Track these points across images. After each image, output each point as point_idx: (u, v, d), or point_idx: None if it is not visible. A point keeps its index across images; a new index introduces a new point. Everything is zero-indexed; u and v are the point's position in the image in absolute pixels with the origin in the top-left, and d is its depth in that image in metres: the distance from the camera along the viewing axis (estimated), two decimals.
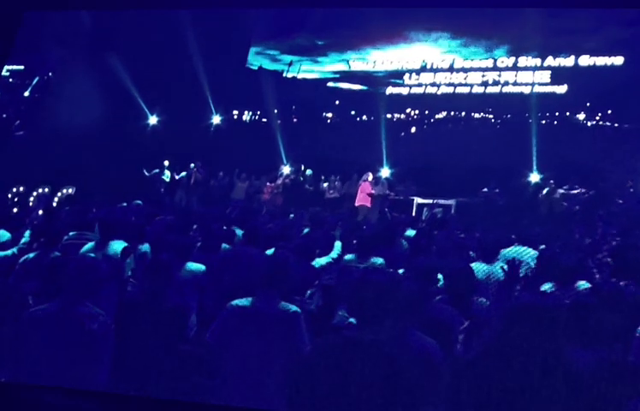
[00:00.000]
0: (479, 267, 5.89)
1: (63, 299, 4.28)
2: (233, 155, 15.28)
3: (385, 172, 14.58)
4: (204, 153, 15.68)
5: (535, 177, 13.81)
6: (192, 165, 15.53)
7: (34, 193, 13.21)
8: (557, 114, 15.52)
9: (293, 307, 4.47)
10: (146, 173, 15.05)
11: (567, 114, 15.68)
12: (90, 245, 6.28)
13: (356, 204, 13.50)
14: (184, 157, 15.63)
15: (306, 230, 8.44)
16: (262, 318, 4.40)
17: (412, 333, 3.50)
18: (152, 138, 16.25)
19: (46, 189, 13.47)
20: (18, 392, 3.92)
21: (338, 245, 6.69)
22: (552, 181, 13.29)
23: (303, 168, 15.31)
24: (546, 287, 5.29)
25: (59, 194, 13.53)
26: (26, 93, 17.10)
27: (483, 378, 3.36)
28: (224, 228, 7.90)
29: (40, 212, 9.64)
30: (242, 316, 4.44)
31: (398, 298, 3.49)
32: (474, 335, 4.11)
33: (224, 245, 6.91)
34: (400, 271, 5.60)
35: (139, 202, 10.49)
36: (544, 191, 13.24)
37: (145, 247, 6.51)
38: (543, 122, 15.16)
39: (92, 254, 5.65)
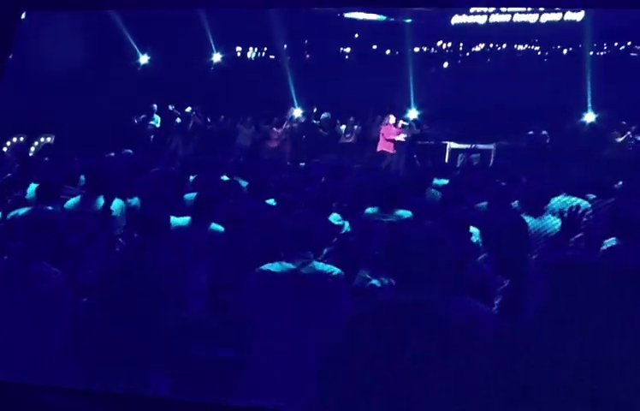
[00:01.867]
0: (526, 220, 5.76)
1: (13, 258, 4.38)
2: (236, 97, 15.30)
3: (413, 113, 14.56)
4: (204, 96, 15.71)
5: (590, 117, 13.70)
6: (190, 109, 15.67)
7: (7, 143, 13.20)
8: (616, 44, 15.29)
9: (336, 269, 4.45)
10: (135, 120, 15.24)
11: (629, 44, 15.40)
12: (74, 200, 6.33)
13: (378, 149, 13.54)
14: (181, 101, 15.76)
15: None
16: (301, 284, 4.35)
17: (460, 298, 3.43)
18: (143, 79, 16.23)
19: (21, 138, 13.47)
20: (18, 392, 4.05)
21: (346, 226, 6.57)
22: (623, 123, 12.99)
23: (316, 110, 15.36)
24: (610, 243, 5.22)
25: (36, 144, 13.48)
26: None
27: (542, 347, 3.24)
28: (227, 179, 7.97)
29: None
30: (277, 283, 4.38)
31: (441, 257, 3.42)
32: (518, 298, 4.11)
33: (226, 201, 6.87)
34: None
35: (130, 151, 10.58)
36: (606, 134, 13.07)
37: (135, 200, 6.52)
38: (600, 53, 14.93)
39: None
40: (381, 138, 13.68)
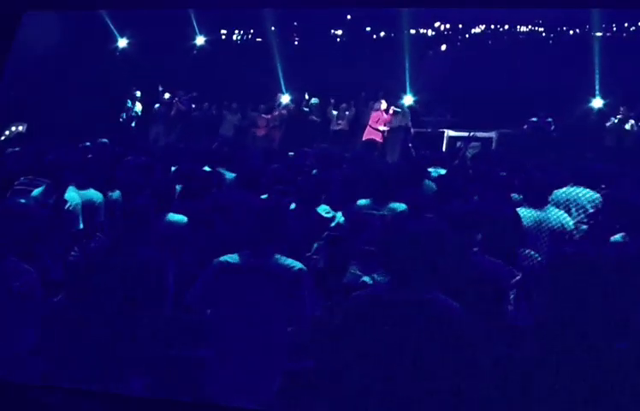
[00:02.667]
0: (527, 213, 5.82)
1: None
2: (221, 83, 15.32)
3: (408, 99, 14.50)
4: (187, 81, 15.76)
5: (597, 103, 13.65)
6: (171, 95, 15.79)
7: None
8: (626, 25, 15.24)
9: (297, 264, 4.45)
10: (123, 116, 15.30)
11: None
12: (37, 191, 6.33)
13: (364, 138, 13.61)
14: (162, 86, 15.81)
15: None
16: (256, 277, 4.38)
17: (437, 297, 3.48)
18: (123, 64, 16.17)
19: None
20: (18, 392, 4.15)
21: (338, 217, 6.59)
22: (622, 108, 13.01)
23: (307, 96, 15.34)
24: (616, 237, 5.22)
25: (6, 132, 13.41)
26: None
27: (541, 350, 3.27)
28: (211, 169, 7.95)
29: None
30: (231, 275, 4.42)
31: (438, 252, 3.53)
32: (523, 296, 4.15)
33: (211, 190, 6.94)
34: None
35: (106, 140, 10.44)
36: (612, 120, 13.02)
37: (116, 194, 6.60)
38: (608, 34, 14.87)
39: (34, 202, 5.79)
40: (367, 126, 13.77)
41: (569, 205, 6.25)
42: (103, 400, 4.16)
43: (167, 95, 15.77)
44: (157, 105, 15.65)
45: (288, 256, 4.50)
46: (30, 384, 4.19)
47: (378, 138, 13.51)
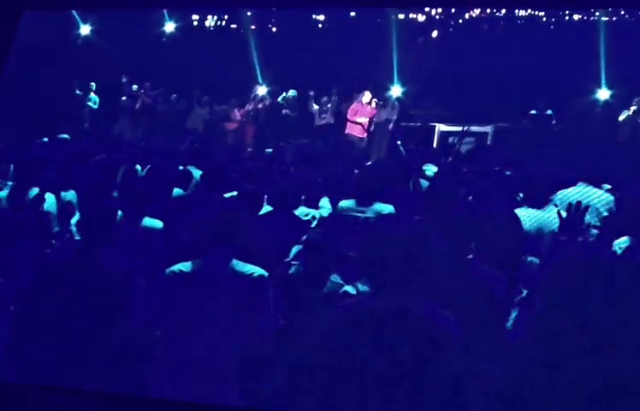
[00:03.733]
0: (527, 214, 5.90)
1: None
2: (191, 73, 15.22)
3: (396, 91, 14.50)
4: (153, 71, 15.75)
5: (604, 94, 13.66)
6: (137, 87, 15.75)
7: None
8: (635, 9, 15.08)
9: (258, 270, 4.46)
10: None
11: None
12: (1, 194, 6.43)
13: (346, 131, 13.72)
14: (127, 77, 15.87)
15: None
16: (212, 286, 4.39)
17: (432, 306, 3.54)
18: (85, 52, 16.03)
19: None
20: (17, 392, 4.41)
21: (325, 202, 6.77)
22: (636, 100, 13.01)
23: (287, 91, 15.36)
24: (621, 242, 5.22)
25: None
26: None
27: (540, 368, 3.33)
28: (178, 167, 8.04)
29: None
30: (182, 286, 4.42)
31: (422, 257, 3.57)
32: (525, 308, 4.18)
33: (177, 190, 7.00)
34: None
35: (66, 136, 10.65)
36: (625, 114, 13.02)
37: (70, 194, 6.70)
38: (615, 18, 14.76)
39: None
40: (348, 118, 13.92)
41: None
42: (103, 400, 4.36)
43: (134, 87, 15.80)
44: (123, 98, 15.70)
45: (260, 263, 4.50)
46: (30, 384, 4.40)
47: (358, 133, 13.62)
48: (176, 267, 4.48)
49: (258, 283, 4.41)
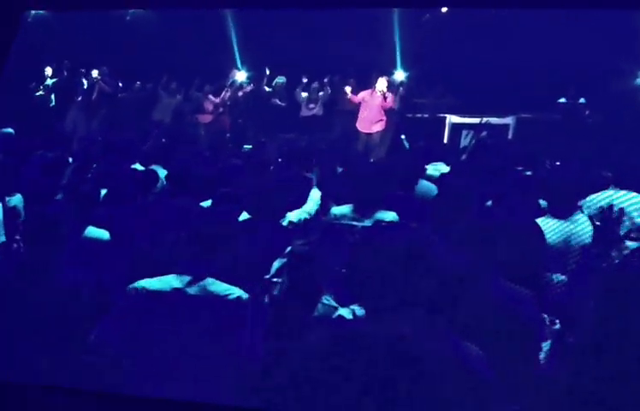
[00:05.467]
0: (552, 224, 5.93)
1: None
2: (158, 56, 15.29)
3: (399, 75, 14.63)
4: (114, 54, 15.59)
5: None
6: (96, 72, 15.74)
7: None
8: None
9: (235, 291, 4.51)
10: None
11: None
12: None
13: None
14: (83, 61, 15.94)
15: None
16: (181, 307, 4.44)
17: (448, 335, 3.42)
18: (36, 34, 15.48)
19: None
20: (17, 392, 4.59)
21: (315, 194, 6.88)
22: None
23: (269, 73, 15.50)
24: None
25: None
26: None
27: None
28: (141, 167, 8.20)
29: None
30: (148, 305, 4.47)
31: (428, 273, 3.36)
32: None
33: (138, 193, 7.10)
34: None
35: (11, 130, 10.63)
36: None
37: (16, 199, 6.87)
38: None
39: None
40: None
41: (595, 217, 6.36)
42: (103, 400, 4.52)
43: (95, 73, 15.76)
44: (79, 85, 15.73)
45: (235, 281, 4.54)
46: (30, 384, 4.62)
47: (362, 127, 13.61)
48: (139, 284, 4.53)
49: (235, 307, 4.45)
